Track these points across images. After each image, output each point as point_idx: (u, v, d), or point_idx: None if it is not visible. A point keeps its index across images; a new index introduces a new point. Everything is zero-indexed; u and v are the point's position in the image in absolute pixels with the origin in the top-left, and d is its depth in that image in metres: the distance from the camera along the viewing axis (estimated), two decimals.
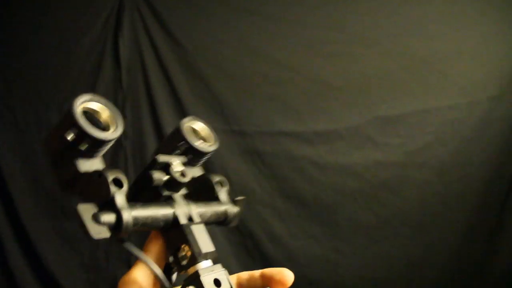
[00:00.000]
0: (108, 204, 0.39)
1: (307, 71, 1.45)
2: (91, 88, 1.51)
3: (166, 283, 0.43)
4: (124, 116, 1.50)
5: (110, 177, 0.39)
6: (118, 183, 0.40)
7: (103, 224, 0.37)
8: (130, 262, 1.51)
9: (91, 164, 0.42)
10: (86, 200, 0.40)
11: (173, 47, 1.50)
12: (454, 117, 1.44)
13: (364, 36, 1.47)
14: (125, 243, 0.43)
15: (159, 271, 0.43)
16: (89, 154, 0.41)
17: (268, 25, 1.48)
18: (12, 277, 1.52)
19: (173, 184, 0.45)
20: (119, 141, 1.49)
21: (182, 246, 0.44)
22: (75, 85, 1.53)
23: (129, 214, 0.39)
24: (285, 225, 1.42)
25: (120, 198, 0.40)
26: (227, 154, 1.40)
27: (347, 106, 1.44)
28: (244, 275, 0.45)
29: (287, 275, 0.43)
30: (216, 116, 1.41)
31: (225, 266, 1.32)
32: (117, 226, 0.38)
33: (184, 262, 0.43)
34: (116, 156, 1.49)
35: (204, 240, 0.45)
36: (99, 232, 0.37)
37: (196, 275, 0.42)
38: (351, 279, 1.43)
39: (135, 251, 0.43)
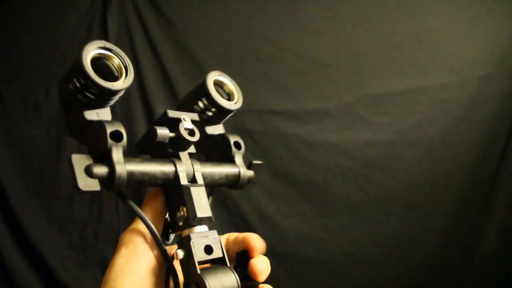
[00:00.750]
0: (104, 157, 0.38)
1: (297, 49, 1.44)
2: None
3: (161, 243, 0.42)
4: None
5: (109, 129, 0.38)
6: (117, 136, 0.38)
7: (95, 176, 0.36)
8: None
9: (98, 114, 0.41)
10: (89, 149, 0.40)
11: (162, 25, 1.47)
12: (445, 96, 1.44)
13: (354, 14, 1.45)
14: (125, 199, 0.42)
15: (155, 230, 0.42)
16: (98, 103, 0.40)
17: (258, 2, 1.46)
18: (0, 257, 1.51)
19: (180, 142, 0.44)
20: None
21: (181, 206, 0.43)
22: (62, 64, 1.50)
23: (123, 169, 0.38)
24: (274, 203, 1.42)
25: (116, 151, 0.38)
26: None
27: (338, 84, 1.43)
28: (232, 235, 0.45)
29: (253, 242, 0.44)
30: None
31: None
32: (110, 180, 0.37)
33: (181, 223, 0.42)
34: None
35: (201, 204, 0.44)
36: (88, 184, 0.36)
37: (188, 239, 0.41)
38: (340, 257, 1.43)
39: (135, 208, 0.42)
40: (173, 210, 0.43)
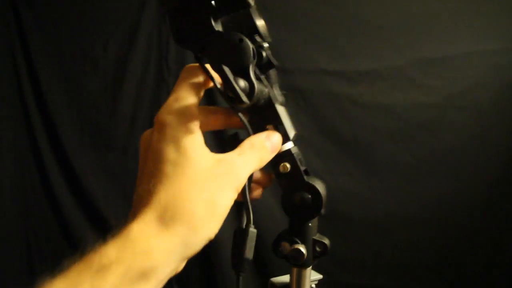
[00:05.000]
0: (241, 71, 0.39)
1: (351, 10, 1.44)
2: (136, 26, 1.53)
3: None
4: (167, 52, 1.52)
5: (251, 45, 0.39)
6: (254, 54, 0.40)
7: (241, 89, 0.38)
8: None
9: (219, 26, 0.41)
10: (213, 60, 0.40)
11: None
12: (498, 62, 1.43)
13: None
14: (239, 113, 0.45)
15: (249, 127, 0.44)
16: (223, 13, 0.40)
17: None
18: (58, 208, 1.59)
19: (267, 65, 0.46)
20: (162, 75, 1.53)
21: (269, 126, 0.46)
22: (120, 22, 1.55)
23: (258, 86, 0.40)
24: (322, 161, 1.46)
25: (252, 68, 0.40)
26: None
27: (390, 46, 1.43)
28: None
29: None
30: None
31: (268, 210, 1.35)
32: (249, 95, 0.39)
33: None
34: (159, 91, 1.53)
35: (290, 123, 0.49)
36: (241, 94, 0.38)
37: (289, 152, 0.46)
38: (384, 216, 1.47)
39: (245, 121, 0.45)
40: (260, 130, 0.45)
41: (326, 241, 0.50)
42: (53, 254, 1.58)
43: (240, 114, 0.43)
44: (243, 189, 0.41)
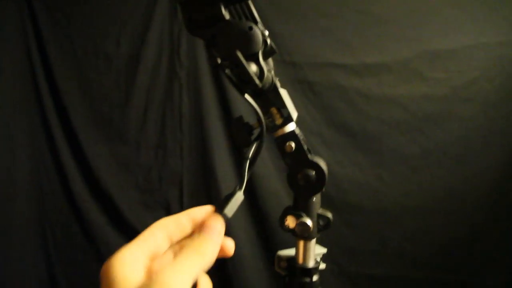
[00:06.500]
0: (250, 57, 0.43)
1: (358, 6, 1.47)
2: (148, 20, 1.56)
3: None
4: (179, 46, 1.56)
5: (260, 33, 0.43)
6: (262, 41, 0.43)
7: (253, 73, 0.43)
8: (182, 184, 1.61)
9: (228, 15, 0.44)
10: (224, 47, 0.43)
11: None
12: (503, 54, 1.45)
13: None
14: (246, 94, 0.46)
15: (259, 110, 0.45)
16: (230, 2, 0.43)
17: None
18: (73, 198, 1.63)
19: (270, 52, 0.48)
20: (174, 69, 1.57)
21: (272, 108, 0.49)
22: (132, 17, 1.58)
23: (268, 73, 0.44)
24: (331, 152, 1.49)
25: (261, 54, 0.43)
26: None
27: (397, 39, 1.46)
28: (169, 221, 0.36)
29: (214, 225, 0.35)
30: None
31: (273, 191, 1.41)
32: (260, 78, 0.43)
33: (278, 122, 0.49)
34: (171, 85, 1.56)
35: (292, 105, 0.52)
36: (254, 78, 0.42)
37: (294, 133, 0.49)
38: (392, 206, 1.50)
39: (252, 102, 0.48)
40: (264, 113, 0.48)
41: (329, 215, 0.53)
42: (68, 242, 1.63)
43: (247, 96, 0.45)
44: (243, 158, 0.42)
